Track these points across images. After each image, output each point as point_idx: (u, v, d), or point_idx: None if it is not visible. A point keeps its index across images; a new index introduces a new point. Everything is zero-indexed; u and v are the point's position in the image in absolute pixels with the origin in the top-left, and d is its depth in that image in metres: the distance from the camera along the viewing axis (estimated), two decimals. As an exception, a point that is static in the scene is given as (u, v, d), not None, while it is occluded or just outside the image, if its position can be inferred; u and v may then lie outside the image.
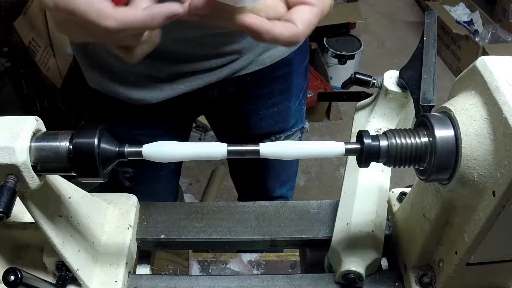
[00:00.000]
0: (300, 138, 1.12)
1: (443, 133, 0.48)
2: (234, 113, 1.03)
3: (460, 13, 2.98)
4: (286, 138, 1.07)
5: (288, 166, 1.22)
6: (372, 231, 0.66)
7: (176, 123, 1.02)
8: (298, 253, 1.15)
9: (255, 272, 1.39)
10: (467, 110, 0.48)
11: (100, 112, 1.00)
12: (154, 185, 1.10)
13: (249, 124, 1.03)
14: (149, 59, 0.81)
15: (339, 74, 2.67)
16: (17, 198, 0.48)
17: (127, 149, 0.50)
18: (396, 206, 0.72)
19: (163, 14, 0.49)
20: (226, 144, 0.51)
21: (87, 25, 0.50)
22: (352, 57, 2.67)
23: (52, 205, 0.57)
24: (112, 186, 1.04)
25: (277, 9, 0.54)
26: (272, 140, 1.06)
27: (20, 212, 0.65)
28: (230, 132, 1.10)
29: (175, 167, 1.18)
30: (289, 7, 0.56)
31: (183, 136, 1.10)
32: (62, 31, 0.54)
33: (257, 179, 1.22)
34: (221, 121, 1.12)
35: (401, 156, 0.50)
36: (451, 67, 2.94)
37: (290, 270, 1.36)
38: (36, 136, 0.49)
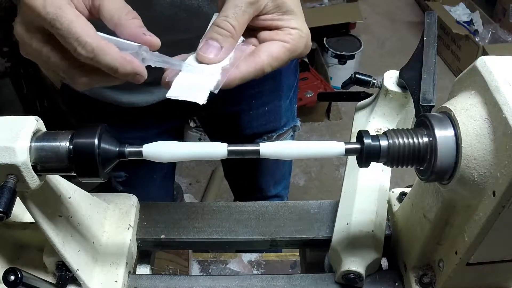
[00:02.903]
0: (292, 137, 1.13)
1: (443, 133, 0.48)
2: (225, 114, 1.03)
3: (460, 13, 2.98)
4: (278, 137, 1.08)
5: (282, 165, 1.22)
6: (372, 231, 0.66)
7: (167, 126, 1.02)
8: (298, 253, 1.15)
9: (255, 272, 1.38)
10: (467, 110, 0.48)
11: (90, 117, 0.99)
12: (148, 189, 1.10)
13: (241, 124, 1.03)
14: None
15: (339, 74, 2.68)
16: (17, 198, 0.48)
17: (127, 149, 0.50)
18: (396, 206, 0.72)
19: (132, 68, 0.51)
20: (226, 144, 0.51)
21: (64, 36, 0.49)
22: (352, 57, 2.67)
23: (52, 205, 0.57)
24: (105, 191, 1.04)
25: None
26: (264, 140, 1.06)
27: (20, 212, 0.65)
28: (222, 132, 1.10)
29: (169, 170, 1.18)
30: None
31: (175, 138, 1.10)
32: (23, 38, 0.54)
33: (251, 179, 1.22)
34: (212, 122, 1.12)
35: (401, 156, 0.50)
36: (451, 67, 2.95)
37: (290, 270, 1.36)
38: (36, 136, 0.49)
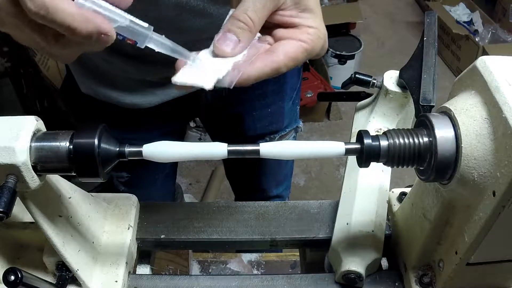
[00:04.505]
0: (294, 138, 1.13)
1: (443, 133, 0.48)
2: (228, 115, 1.03)
3: (460, 13, 2.98)
4: (281, 138, 1.07)
5: (284, 165, 1.22)
6: (372, 231, 0.66)
7: (170, 126, 1.01)
8: (298, 253, 1.15)
9: (255, 272, 1.38)
10: (467, 110, 0.48)
11: (93, 118, 0.99)
12: (149, 189, 1.10)
13: (243, 125, 1.03)
14: (141, 64, 0.81)
15: (339, 74, 2.68)
16: (17, 198, 0.48)
17: (127, 149, 0.50)
18: (396, 206, 0.72)
19: (94, 27, 0.44)
20: (226, 144, 0.51)
21: None
22: (352, 57, 2.67)
23: (52, 205, 0.57)
24: (107, 191, 1.05)
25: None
26: (266, 141, 1.06)
27: (20, 212, 0.65)
28: (225, 133, 1.10)
29: (170, 171, 1.18)
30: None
31: (178, 139, 1.10)
32: None
33: (253, 179, 1.22)
34: (215, 123, 1.12)
35: (401, 156, 0.50)
36: (451, 67, 2.95)
37: (290, 270, 1.36)
38: (36, 136, 0.49)
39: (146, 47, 0.50)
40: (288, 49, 0.53)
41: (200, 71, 0.52)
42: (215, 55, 0.54)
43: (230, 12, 0.55)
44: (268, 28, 0.55)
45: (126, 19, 0.47)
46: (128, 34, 0.48)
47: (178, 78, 0.52)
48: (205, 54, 0.54)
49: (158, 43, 0.50)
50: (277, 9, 0.54)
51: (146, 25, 0.49)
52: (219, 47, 0.53)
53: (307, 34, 0.54)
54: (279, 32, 0.55)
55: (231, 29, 0.52)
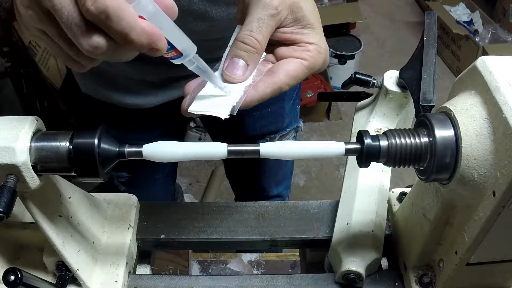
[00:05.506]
0: (294, 137, 1.13)
1: (443, 133, 0.48)
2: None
3: (460, 13, 2.98)
4: (281, 138, 1.08)
5: (284, 165, 1.22)
6: (372, 231, 0.66)
7: (170, 126, 1.02)
8: (298, 253, 1.15)
9: (255, 272, 1.38)
10: (467, 110, 0.48)
11: (94, 118, 0.99)
12: (149, 189, 1.10)
13: (244, 125, 1.03)
14: (142, 64, 0.81)
15: (339, 74, 2.68)
16: (17, 198, 0.48)
17: (127, 149, 0.50)
18: (396, 206, 0.72)
19: (148, 43, 0.42)
20: (226, 144, 0.51)
21: None
22: (352, 57, 2.67)
23: (52, 205, 0.57)
24: (107, 191, 1.05)
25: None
26: (267, 141, 1.06)
27: (20, 212, 0.65)
28: (225, 133, 1.10)
29: (171, 170, 1.18)
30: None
31: (178, 138, 1.10)
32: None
33: (253, 179, 1.22)
34: (215, 123, 1.12)
35: (401, 156, 0.50)
36: (451, 67, 2.95)
37: (290, 270, 1.36)
38: (36, 136, 0.49)
39: None
40: (288, 68, 0.53)
41: (214, 97, 0.53)
42: (224, 80, 0.54)
43: (237, 29, 0.55)
44: (269, 45, 0.55)
45: (179, 29, 0.46)
46: (178, 44, 0.46)
47: (193, 108, 0.52)
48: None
49: (195, 62, 0.50)
50: (278, 26, 0.54)
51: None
52: (229, 74, 0.53)
53: (307, 51, 0.54)
54: (281, 50, 0.56)
55: (238, 54, 0.53)
